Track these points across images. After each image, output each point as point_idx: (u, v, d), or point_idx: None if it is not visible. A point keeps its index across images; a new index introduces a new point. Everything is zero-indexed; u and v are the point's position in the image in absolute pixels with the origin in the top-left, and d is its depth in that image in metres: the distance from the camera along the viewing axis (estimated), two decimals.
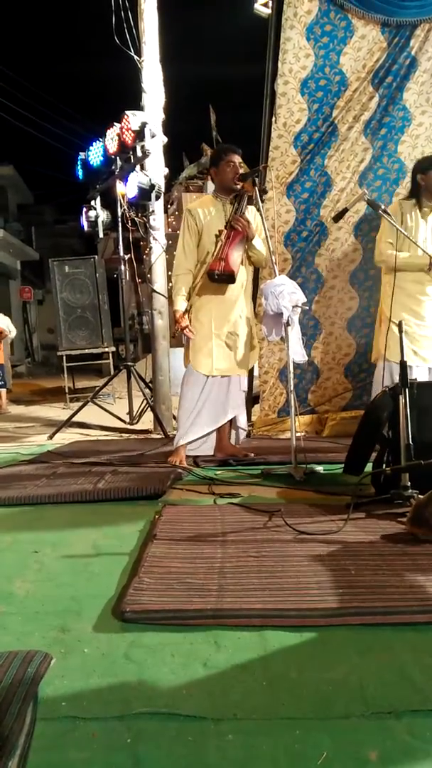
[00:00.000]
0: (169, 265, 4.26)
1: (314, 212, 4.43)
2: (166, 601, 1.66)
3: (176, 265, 3.55)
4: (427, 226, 3.66)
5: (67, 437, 4.91)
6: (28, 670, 1.27)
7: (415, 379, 2.78)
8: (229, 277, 3.42)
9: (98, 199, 5.67)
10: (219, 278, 3.41)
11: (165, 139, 5.03)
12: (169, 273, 4.30)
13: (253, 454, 3.63)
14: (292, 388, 3.33)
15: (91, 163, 5.30)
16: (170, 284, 3.59)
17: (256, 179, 3.51)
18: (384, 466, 2.72)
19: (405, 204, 3.67)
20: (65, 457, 3.90)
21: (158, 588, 1.75)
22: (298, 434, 3.26)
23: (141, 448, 4.19)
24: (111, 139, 4.93)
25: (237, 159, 3.51)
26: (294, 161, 4.34)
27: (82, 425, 5.47)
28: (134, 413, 5.50)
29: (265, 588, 1.74)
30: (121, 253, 5.19)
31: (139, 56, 4.94)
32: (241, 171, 3.54)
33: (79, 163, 5.49)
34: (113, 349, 8.23)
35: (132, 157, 4.78)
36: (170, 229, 11.36)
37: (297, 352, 3.34)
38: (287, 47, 4.13)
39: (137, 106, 4.95)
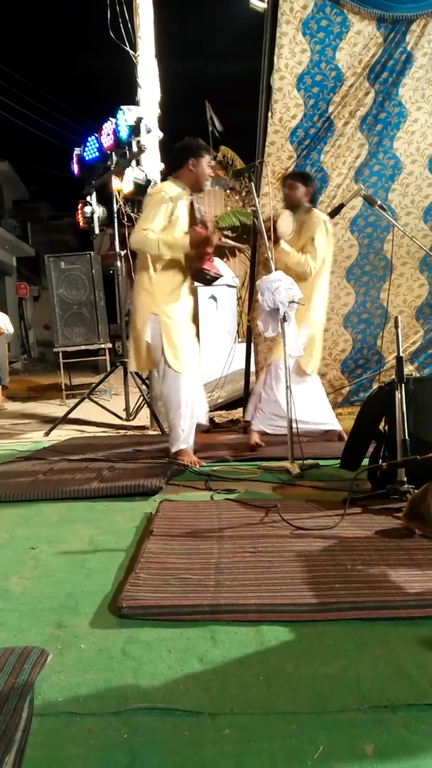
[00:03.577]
0: None
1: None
2: (162, 596, 1.66)
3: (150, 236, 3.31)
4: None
5: (63, 434, 4.90)
6: (25, 667, 1.27)
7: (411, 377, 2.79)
8: (214, 280, 3.44)
9: (94, 195, 5.66)
10: (210, 280, 3.43)
11: (161, 134, 5.01)
12: None
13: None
14: (288, 383, 3.34)
15: (87, 158, 5.28)
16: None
17: (252, 175, 3.51)
18: (380, 461, 2.72)
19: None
20: (62, 453, 3.89)
21: (155, 584, 1.75)
22: (294, 430, 3.26)
23: (137, 444, 4.18)
24: (106, 135, 4.91)
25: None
26: (290, 156, 4.33)
27: (78, 422, 5.46)
28: (130, 410, 5.50)
29: (262, 583, 1.74)
30: (117, 249, 5.18)
31: (135, 51, 4.92)
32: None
33: (74, 158, 5.47)
34: (109, 345, 8.20)
35: (128, 152, 4.76)
36: None
37: (293, 348, 3.34)
38: (283, 42, 4.12)
39: (133, 101, 4.93)
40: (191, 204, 3.41)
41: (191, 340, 3.55)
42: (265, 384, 3.74)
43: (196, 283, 3.57)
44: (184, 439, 3.48)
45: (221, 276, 3.48)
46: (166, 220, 3.28)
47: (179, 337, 3.42)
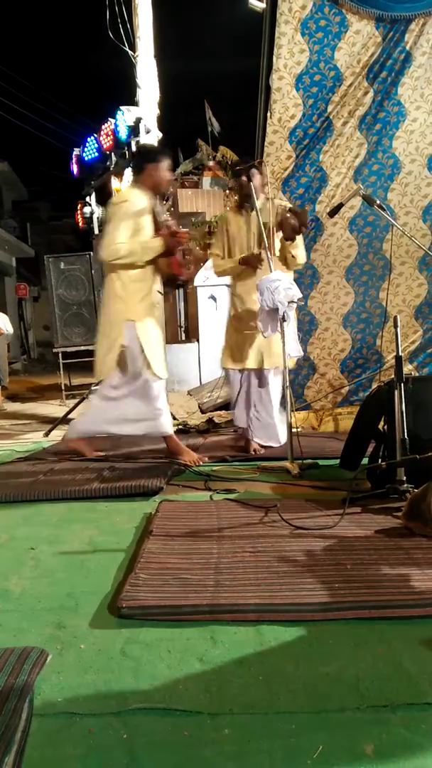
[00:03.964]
0: None
1: (310, 208, 4.42)
2: (162, 596, 1.67)
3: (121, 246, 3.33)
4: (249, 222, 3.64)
5: (63, 434, 4.89)
6: (24, 667, 1.27)
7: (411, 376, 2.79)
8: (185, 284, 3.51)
9: (93, 195, 5.66)
10: (180, 285, 3.49)
11: (160, 135, 5.01)
12: None
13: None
14: (288, 383, 3.34)
15: (86, 159, 5.29)
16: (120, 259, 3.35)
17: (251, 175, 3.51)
18: (380, 460, 2.72)
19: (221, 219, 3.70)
20: (61, 454, 3.89)
21: (154, 584, 1.75)
22: (294, 430, 3.26)
23: (137, 444, 4.18)
24: (106, 135, 4.91)
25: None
26: (289, 156, 4.33)
27: None
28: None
29: (261, 583, 1.75)
30: None
31: (134, 52, 4.93)
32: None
33: (73, 159, 5.47)
34: None
35: (127, 152, 4.77)
36: None
37: (293, 348, 3.34)
38: (282, 42, 4.12)
39: (132, 101, 4.93)
40: (154, 209, 3.43)
41: (161, 346, 3.60)
42: (255, 408, 3.70)
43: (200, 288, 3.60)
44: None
45: (191, 280, 3.51)
46: (133, 230, 3.31)
47: (157, 343, 3.46)
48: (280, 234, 3.56)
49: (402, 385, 2.55)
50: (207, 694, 1.24)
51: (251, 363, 3.61)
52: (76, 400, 5.81)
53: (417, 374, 4.45)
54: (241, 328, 3.64)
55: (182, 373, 7.60)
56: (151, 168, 3.44)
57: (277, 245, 3.61)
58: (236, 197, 3.66)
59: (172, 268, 3.43)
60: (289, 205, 3.71)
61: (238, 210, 3.72)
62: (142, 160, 3.53)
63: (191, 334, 9.34)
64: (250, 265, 3.54)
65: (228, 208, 3.74)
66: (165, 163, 3.45)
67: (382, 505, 2.49)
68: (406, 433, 2.48)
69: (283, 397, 3.53)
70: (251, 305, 3.53)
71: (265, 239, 3.45)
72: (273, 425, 3.66)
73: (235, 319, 3.72)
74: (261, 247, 3.53)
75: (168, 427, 3.53)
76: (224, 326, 3.87)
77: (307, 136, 4.30)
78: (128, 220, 3.31)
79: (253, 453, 3.64)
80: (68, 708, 1.21)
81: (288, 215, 3.49)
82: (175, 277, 3.46)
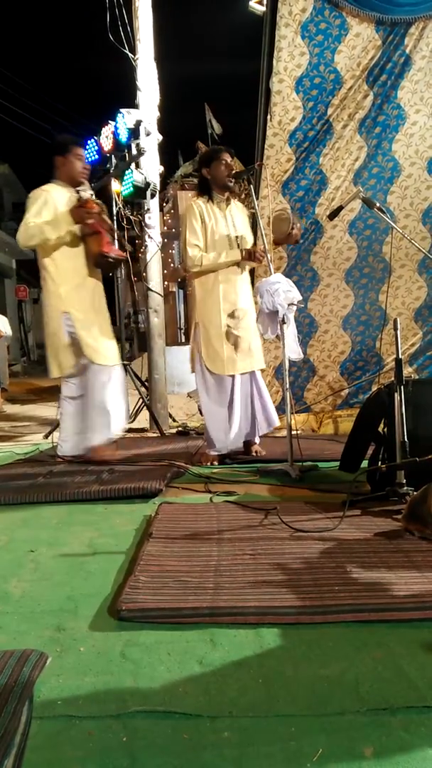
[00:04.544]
0: (165, 264, 4.25)
1: (309, 210, 4.43)
2: (161, 599, 1.66)
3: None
4: (227, 218, 3.55)
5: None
6: (24, 670, 1.27)
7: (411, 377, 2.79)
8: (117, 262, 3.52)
9: (93, 197, 5.65)
10: (113, 263, 3.50)
11: (160, 137, 5.02)
12: (165, 271, 4.29)
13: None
14: (287, 385, 3.34)
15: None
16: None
17: (251, 177, 3.51)
18: (379, 463, 2.72)
19: (197, 204, 3.51)
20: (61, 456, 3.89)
21: (154, 586, 1.75)
22: (293, 432, 3.26)
23: (137, 446, 4.19)
24: (106, 137, 4.92)
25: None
26: (289, 159, 4.34)
27: None
28: (130, 412, 5.49)
29: (261, 586, 1.74)
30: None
31: (134, 54, 4.93)
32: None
33: None
34: None
35: (127, 155, 4.77)
36: (166, 228, 11.32)
37: (293, 350, 3.35)
38: (282, 45, 4.13)
39: (132, 104, 4.94)
40: (77, 198, 3.43)
41: (106, 332, 3.55)
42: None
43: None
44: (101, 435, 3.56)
45: (123, 257, 3.48)
46: (44, 211, 3.32)
47: (94, 331, 3.45)
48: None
49: (402, 387, 2.55)
50: (206, 697, 1.24)
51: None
52: None
53: (416, 377, 4.46)
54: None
55: (182, 375, 7.60)
56: (59, 161, 3.45)
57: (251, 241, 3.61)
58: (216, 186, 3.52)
59: (100, 247, 3.40)
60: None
61: (209, 200, 3.52)
62: (53, 153, 3.53)
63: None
64: (254, 260, 3.53)
65: (194, 198, 3.55)
66: (73, 152, 3.42)
67: (382, 508, 2.49)
68: (405, 436, 2.48)
69: (283, 399, 3.53)
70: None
71: (265, 241, 3.45)
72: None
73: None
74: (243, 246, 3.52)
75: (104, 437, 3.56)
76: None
77: (307, 139, 4.32)
78: (38, 203, 3.35)
79: (255, 455, 3.64)
80: (68, 710, 1.21)
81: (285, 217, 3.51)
82: (104, 256, 3.41)
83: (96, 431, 3.55)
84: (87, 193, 3.46)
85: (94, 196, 3.49)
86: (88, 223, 3.35)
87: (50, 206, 3.36)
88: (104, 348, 3.47)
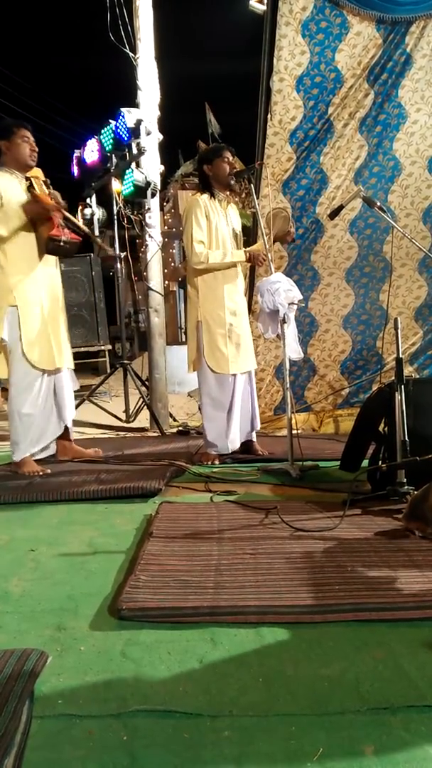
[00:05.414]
0: (165, 263, 4.24)
1: (310, 209, 4.43)
2: (162, 598, 1.66)
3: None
4: (227, 217, 3.55)
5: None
6: (24, 669, 1.27)
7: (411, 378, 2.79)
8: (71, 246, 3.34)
9: (94, 197, 5.66)
10: (66, 248, 3.32)
11: (160, 137, 5.01)
12: (165, 270, 4.28)
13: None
14: (288, 385, 3.34)
15: (86, 160, 5.28)
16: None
17: (251, 176, 3.51)
18: (380, 462, 2.72)
19: (202, 200, 3.47)
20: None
21: (154, 585, 1.75)
22: (294, 431, 3.26)
23: (137, 446, 4.19)
24: (106, 137, 4.91)
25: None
26: (289, 158, 4.33)
27: (78, 423, 5.44)
28: (130, 411, 5.49)
29: (261, 585, 1.74)
30: (117, 251, 5.18)
31: (134, 53, 4.92)
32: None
33: (74, 160, 5.47)
34: (109, 347, 8.20)
35: (127, 154, 4.77)
36: (166, 227, 11.30)
37: (293, 350, 3.34)
38: (282, 44, 4.13)
39: (132, 103, 4.93)
40: (30, 184, 3.29)
41: (57, 330, 3.42)
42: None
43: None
44: (26, 448, 3.37)
45: (78, 241, 3.34)
46: None
47: (40, 330, 3.31)
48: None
49: (402, 386, 2.55)
50: (207, 696, 1.24)
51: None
52: (75, 402, 5.80)
53: (417, 376, 4.46)
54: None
55: (182, 375, 7.59)
56: (3, 146, 3.28)
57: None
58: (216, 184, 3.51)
59: (50, 230, 3.26)
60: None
61: (211, 197, 3.50)
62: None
63: None
64: (256, 263, 3.53)
65: (197, 194, 3.53)
66: (18, 134, 3.26)
67: (382, 507, 2.49)
68: (406, 435, 2.48)
69: (284, 398, 3.52)
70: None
71: (265, 241, 3.45)
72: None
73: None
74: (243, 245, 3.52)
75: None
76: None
77: (308, 138, 4.31)
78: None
79: (260, 454, 3.64)
80: (68, 710, 1.21)
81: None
82: (54, 240, 3.28)
83: (18, 443, 3.36)
84: (41, 180, 3.32)
85: (43, 176, 3.34)
86: (46, 218, 3.23)
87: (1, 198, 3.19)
88: (36, 347, 3.28)
